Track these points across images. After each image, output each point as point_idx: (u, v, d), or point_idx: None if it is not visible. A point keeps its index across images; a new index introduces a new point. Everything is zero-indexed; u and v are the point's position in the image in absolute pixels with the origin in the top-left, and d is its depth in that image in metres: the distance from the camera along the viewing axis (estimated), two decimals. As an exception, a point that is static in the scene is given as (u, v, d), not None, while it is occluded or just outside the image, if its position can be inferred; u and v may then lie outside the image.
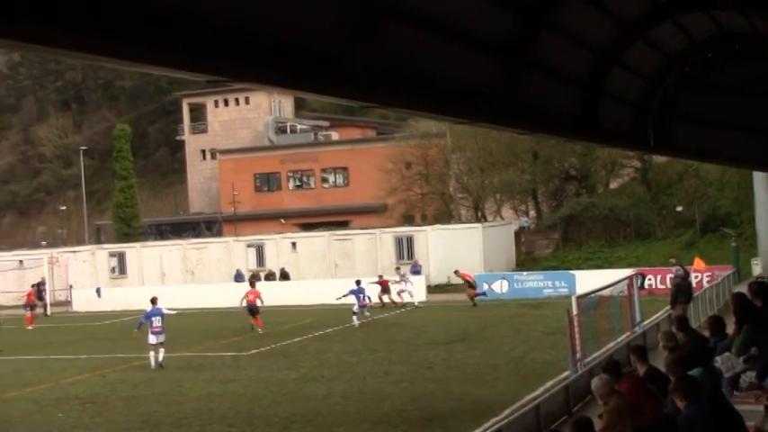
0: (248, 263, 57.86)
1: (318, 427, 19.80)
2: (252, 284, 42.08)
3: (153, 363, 29.44)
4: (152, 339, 29.74)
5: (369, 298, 40.60)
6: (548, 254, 59.08)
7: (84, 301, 54.60)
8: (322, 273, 55.68)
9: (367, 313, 39.86)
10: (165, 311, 30.53)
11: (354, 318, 37.54)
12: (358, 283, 39.72)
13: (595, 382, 10.96)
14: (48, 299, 55.24)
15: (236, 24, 7.61)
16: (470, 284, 44.47)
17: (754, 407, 10.20)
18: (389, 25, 9.43)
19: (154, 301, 31.21)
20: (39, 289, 54.71)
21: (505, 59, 12.15)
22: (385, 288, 45.72)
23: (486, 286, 45.77)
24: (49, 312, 53.65)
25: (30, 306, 47.71)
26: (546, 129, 15.41)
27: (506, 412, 19.03)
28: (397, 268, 49.83)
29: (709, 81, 18.14)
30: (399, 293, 45.91)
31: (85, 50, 6.53)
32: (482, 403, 20.89)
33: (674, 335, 13.54)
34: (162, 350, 29.66)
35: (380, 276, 47.60)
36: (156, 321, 29.91)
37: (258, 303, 38.10)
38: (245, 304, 38.33)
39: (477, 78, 11.94)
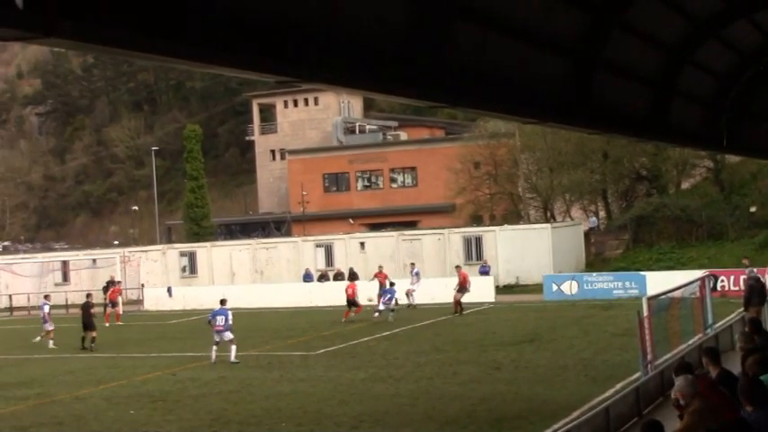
0: (317, 263, 58.09)
1: (387, 428, 19.80)
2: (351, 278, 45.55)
3: (213, 357, 30.34)
4: (215, 337, 30.70)
5: (396, 300, 41.16)
6: (618, 254, 58.51)
7: (155, 300, 55.25)
8: (391, 273, 55.62)
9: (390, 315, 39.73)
10: (229, 314, 31.19)
11: (377, 314, 38.89)
12: (392, 284, 40.67)
13: (680, 382, 10.78)
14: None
15: (306, 25, 7.65)
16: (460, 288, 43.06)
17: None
18: (459, 25, 9.42)
19: (223, 302, 32.01)
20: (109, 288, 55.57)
21: (576, 59, 12.07)
22: (382, 284, 43.94)
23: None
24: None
25: (113, 303, 48.43)
26: (616, 128, 15.28)
27: (575, 414, 18.87)
28: (412, 264, 49.85)
29: (785, 79, 17.85)
30: (409, 294, 45.73)
31: (157, 52, 6.62)
32: (551, 405, 20.75)
33: (753, 336, 13.32)
34: (233, 347, 30.29)
35: (380, 269, 47.12)
36: (220, 321, 30.74)
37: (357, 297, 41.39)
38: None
39: (547, 78, 11.88)
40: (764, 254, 45.15)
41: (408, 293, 45.67)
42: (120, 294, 50.52)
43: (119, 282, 53.32)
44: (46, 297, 40.61)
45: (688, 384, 10.68)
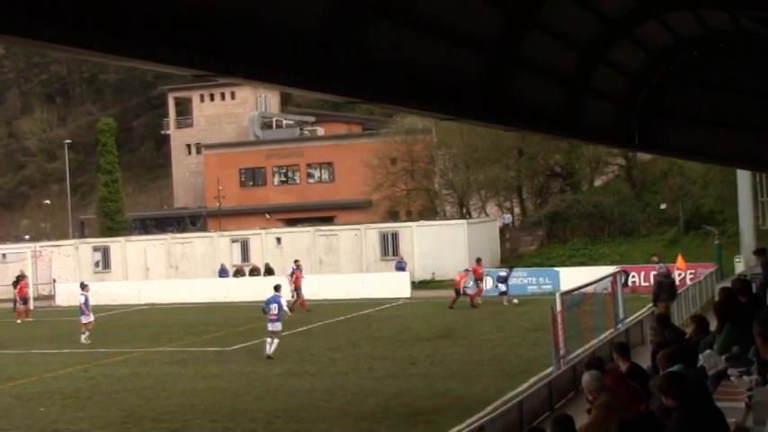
0: (233, 258, 57.79)
1: (301, 423, 19.79)
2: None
3: (268, 348, 28.85)
4: (269, 326, 29.29)
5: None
6: (532, 251, 59.18)
7: (67, 296, 54.33)
8: (306, 268, 55.57)
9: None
10: (282, 302, 29.89)
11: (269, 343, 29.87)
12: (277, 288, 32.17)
13: (586, 378, 11.00)
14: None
15: (223, 19, 7.60)
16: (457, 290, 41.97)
17: (734, 404, 10.24)
18: (376, 21, 9.44)
19: (277, 288, 30.82)
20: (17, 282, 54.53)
21: (492, 56, 12.17)
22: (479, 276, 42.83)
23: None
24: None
25: (23, 299, 47.23)
26: (531, 125, 15.44)
27: (489, 408, 19.07)
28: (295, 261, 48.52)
29: (694, 79, 18.21)
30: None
31: (74, 44, 6.52)
32: (466, 399, 20.92)
33: (662, 330, 13.61)
34: (276, 341, 28.90)
35: (296, 262, 45.82)
36: (273, 309, 29.41)
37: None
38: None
39: (463, 75, 11.95)
40: (674, 250, 45.99)
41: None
42: (27, 288, 49.23)
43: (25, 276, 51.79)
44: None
45: (594, 379, 10.89)
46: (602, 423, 10.20)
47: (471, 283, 41.83)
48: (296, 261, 46.54)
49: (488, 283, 44.12)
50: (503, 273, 42.97)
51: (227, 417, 20.69)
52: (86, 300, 35.85)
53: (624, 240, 56.43)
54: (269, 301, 29.95)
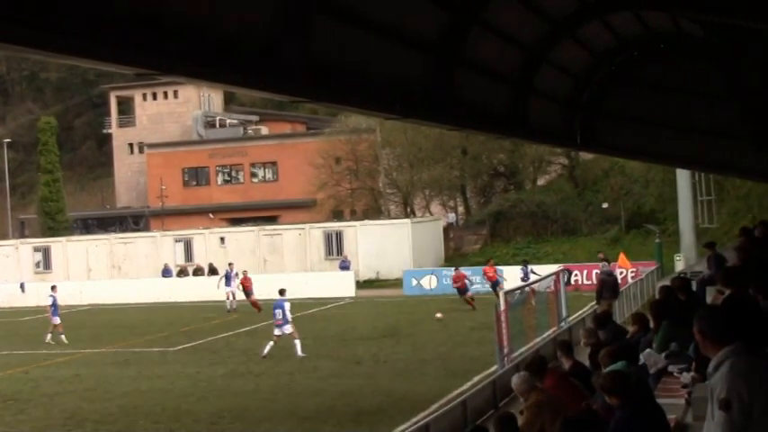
0: (176, 257, 57.41)
1: (246, 423, 19.73)
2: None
3: (265, 351, 28.36)
4: (275, 331, 28.83)
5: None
6: (476, 249, 59.44)
7: (7, 297, 53.69)
8: (251, 268, 55.19)
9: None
10: (286, 306, 29.11)
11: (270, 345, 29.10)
12: (281, 292, 30.35)
13: (515, 380, 11.11)
14: None
15: (166, 17, 7.55)
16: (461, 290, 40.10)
17: (674, 400, 10.36)
18: (320, 20, 9.42)
19: (282, 292, 29.96)
20: None
21: (436, 56, 12.20)
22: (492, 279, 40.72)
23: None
24: None
25: None
26: (476, 125, 15.51)
27: (434, 407, 19.14)
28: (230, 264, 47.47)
29: (635, 79, 18.40)
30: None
31: (14, 42, 6.45)
32: (410, 398, 20.98)
33: (596, 331, 13.71)
34: (296, 342, 28.43)
35: (245, 273, 44.28)
36: (278, 314, 28.90)
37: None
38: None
39: (407, 74, 11.98)
40: (616, 249, 46.47)
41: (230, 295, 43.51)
42: None
43: None
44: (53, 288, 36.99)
45: (522, 381, 11.00)
46: (535, 422, 10.30)
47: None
48: (230, 264, 46.50)
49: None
50: (525, 270, 39.98)
51: (170, 418, 20.56)
52: (54, 301, 35.15)
53: (567, 239, 56.89)
54: (274, 306, 29.43)
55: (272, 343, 28.68)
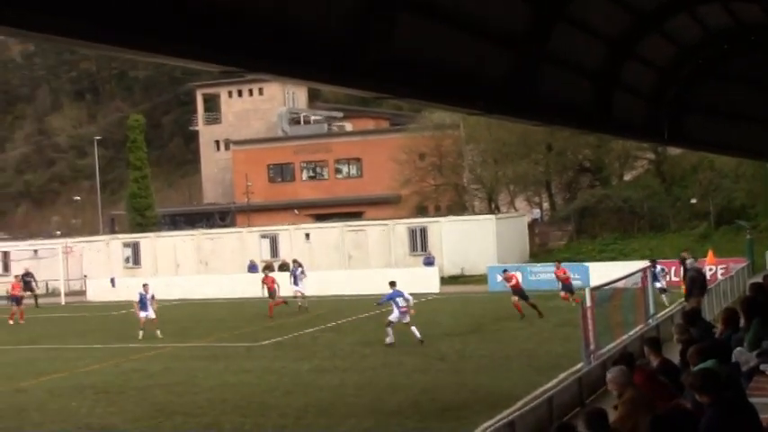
0: (261, 253, 57.93)
1: (331, 418, 19.82)
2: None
3: (389, 339, 29.31)
4: (395, 317, 29.69)
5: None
6: (561, 245, 58.99)
7: (98, 291, 54.77)
8: (335, 264, 55.71)
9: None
10: (405, 294, 30.26)
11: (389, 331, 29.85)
12: (392, 284, 31.33)
13: (612, 373, 10.94)
14: (37, 289, 54.90)
15: (252, 15, 7.62)
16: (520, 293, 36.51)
17: (766, 399, 10.18)
18: (405, 17, 9.44)
19: (393, 284, 30.88)
20: (25, 280, 54.73)
21: (520, 51, 12.15)
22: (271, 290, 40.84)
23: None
24: (38, 303, 52.95)
25: (15, 299, 44.75)
26: (560, 120, 15.42)
27: (519, 404, 19.03)
28: (295, 261, 47.35)
29: (724, 73, 18.09)
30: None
31: (105, 42, 6.57)
32: (495, 395, 20.89)
33: (687, 328, 13.52)
34: (413, 328, 29.62)
35: (266, 272, 43.27)
36: (402, 302, 29.84)
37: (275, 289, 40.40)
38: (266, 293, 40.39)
39: (491, 70, 11.94)
40: (705, 245, 45.75)
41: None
42: (23, 288, 47.99)
43: (18, 276, 50.43)
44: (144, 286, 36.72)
45: (620, 375, 10.83)
46: (629, 419, 10.16)
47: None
48: (294, 261, 46.91)
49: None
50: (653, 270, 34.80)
51: (257, 412, 20.76)
52: (142, 297, 35.31)
53: (654, 235, 56.14)
54: (395, 296, 30.25)
55: (390, 330, 29.54)
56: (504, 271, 39.28)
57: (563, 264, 41.08)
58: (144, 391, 23.96)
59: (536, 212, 68.16)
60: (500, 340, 29.84)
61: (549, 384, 21.01)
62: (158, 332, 34.68)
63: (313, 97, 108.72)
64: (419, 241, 55.76)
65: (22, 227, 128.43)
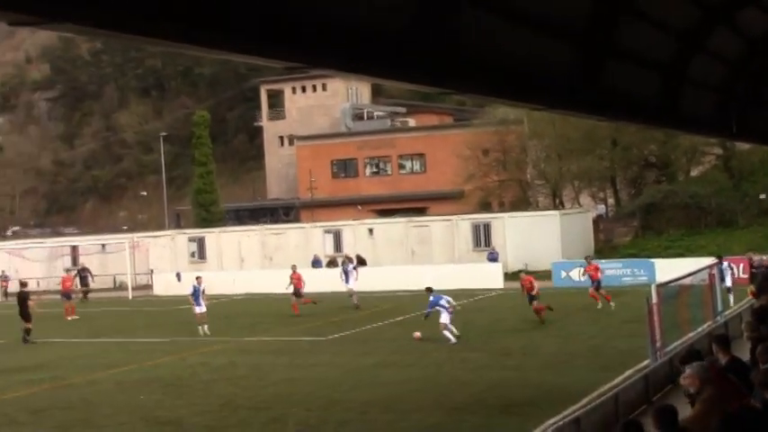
0: (325, 248, 58.17)
1: (395, 414, 19.86)
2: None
3: (452, 338, 29.43)
4: (446, 319, 29.79)
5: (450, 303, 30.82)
6: (626, 242, 58.46)
7: (164, 286, 55.41)
8: (399, 259, 55.76)
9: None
10: (447, 296, 30.50)
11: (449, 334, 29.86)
12: (429, 290, 31.39)
13: (691, 369, 10.75)
14: (92, 284, 56.06)
15: (315, 10, 7.66)
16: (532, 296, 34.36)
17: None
18: (468, 12, 9.42)
19: (430, 290, 30.99)
20: (82, 276, 55.64)
21: (585, 45, 12.06)
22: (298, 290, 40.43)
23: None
24: (88, 298, 54.12)
25: (66, 295, 45.46)
26: (625, 115, 15.27)
27: (585, 401, 18.91)
28: (348, 258, 46.60)
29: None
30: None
31: (167, 38, 6.65)
32: (560, 391, 20.78)
33: (758, 325, 13.34)
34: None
35: (294, 268, 42.13)
36: (446, 303, 29.99)
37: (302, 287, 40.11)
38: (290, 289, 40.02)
39: (555, 64, 11.87)
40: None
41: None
42: (79, 284, 48.20)
43: (69, 270, 50.69)
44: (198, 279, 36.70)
45: (701, 371, 10.65)
46: (705, 417, 10.01)
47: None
48: (347, 257, 46.38)
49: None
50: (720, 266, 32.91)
51: (322, 406, 20.87)
52: (195, 291, 35.22)
53: (722, 231, 55.39)
54: (439, 300, 30.26)
55: (447, 332, 29.56)
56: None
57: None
58: (210, 385, 24.23)
59: (601, 208, 67.61)
60: (565, 336, 29.69)
61: (615, 381, 20.85)
62: (206, 327, 34.67)
63: (376, 93, 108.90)
64: (483, 237, 55.62)
65: (90, 222, 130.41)
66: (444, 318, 29.84)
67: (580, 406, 18.07)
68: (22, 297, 36.08)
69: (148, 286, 57.57)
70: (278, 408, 20.98)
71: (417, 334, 30.27)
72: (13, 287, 56.19)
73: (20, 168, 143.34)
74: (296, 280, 40.38)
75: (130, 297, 54.67)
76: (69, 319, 43.39)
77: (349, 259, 45.67)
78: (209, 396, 22.70)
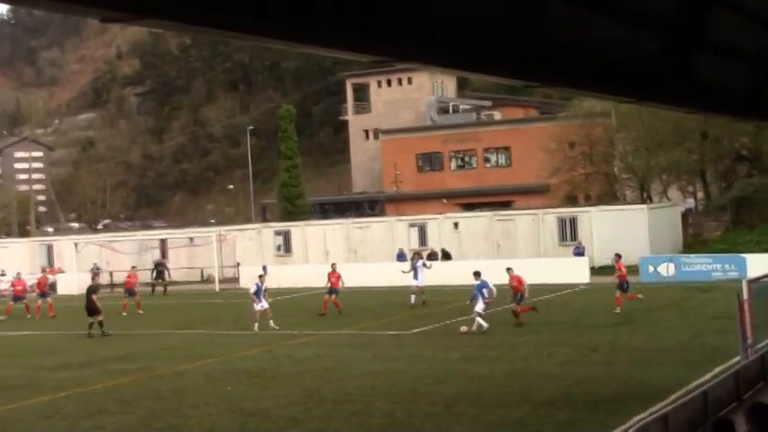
0: (410, 242, 58.22)
1: (481, 408, 19.80)
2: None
3: (484, 324, 30.61)
4: (481, 308, 31.01)
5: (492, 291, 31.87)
6: (716, 236, 57.43)
7: (251, 278, 55.52)
8: (484, 253, 55.57)
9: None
10: (491, 285, 31.58)
11: (482, 321, 30.99)
12: (477, 274, 32.10)
13: None
14: (169, 278, 57.07)
15: (401, 4, 7.65)
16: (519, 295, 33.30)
17: None
18: (554, 4, 9.33)
19: (478, 274, 32.00)
20: (158, 270, 56.38)
21: (674, 36, 11.87)
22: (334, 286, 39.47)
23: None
24: (167, 291, 55.22)
25: (130, 292, 45.45)
26: (715, 108, 15.00)
27: (672, 397, 18.66)
28: (419, 254, 45.71)
29: None
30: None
31: (254, 32, 6.69)
32: (648, 387, 20.52)
33: None
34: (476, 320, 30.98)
35: (333, 266, 41.28)
36: (487, 293, 31.06)
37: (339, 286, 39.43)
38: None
39: (643, 56, 11.70)
40: None
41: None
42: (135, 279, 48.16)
43: (134, 267, 50.74)
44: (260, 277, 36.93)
45: None
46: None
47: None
48: (417, 253, 46.13)
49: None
50: None
51: (407, 399, 20.89)
52: (258, 288, 35.11)
53: (817, 226, 54.17)
54: (483, 286, 31.34)
55: (479, 319, 30.77)
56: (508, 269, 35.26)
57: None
58: (295, 377, 24.41)
59: (690, 202, 66.57)
60: (653, 332, 29.30)
61: (704, 378, 20.53)
62: (272, 322, 34.65)
63: (462, 86, 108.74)
64: (569, 231, 55.15)
65: (178, 215, 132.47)
66: (479, 306, 30.93)
67: (668, 403, 17.83)
68: (90, 290, 36.32)
69: (235, 279, 58.17)
70: (363, 400, 21.05)
71: (464, 328, 30.82)
72: (103, 280, 57.33)
73: (110, 162, 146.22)
74: (334, 278, 39.68)
75: (217, 289, 55.33)
76: (127, 313, 43.12)
77: (419, 255, 45.47)
78: (295, 388, 22.88)
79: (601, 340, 27.93)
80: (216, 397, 22.35)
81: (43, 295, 46.41)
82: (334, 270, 40.28)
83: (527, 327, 31.47)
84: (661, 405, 17.89)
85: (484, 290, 31.19)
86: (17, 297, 46.12)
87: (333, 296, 38.97)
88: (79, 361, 29.27)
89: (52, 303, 45.70)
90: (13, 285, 47.69)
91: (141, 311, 43.93)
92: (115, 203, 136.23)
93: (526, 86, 11.55)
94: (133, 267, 49.65)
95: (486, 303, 31.04)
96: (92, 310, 35.51)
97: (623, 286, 35.08)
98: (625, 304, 34.25)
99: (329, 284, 39.53)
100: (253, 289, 35.51)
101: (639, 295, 35.14)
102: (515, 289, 33.13)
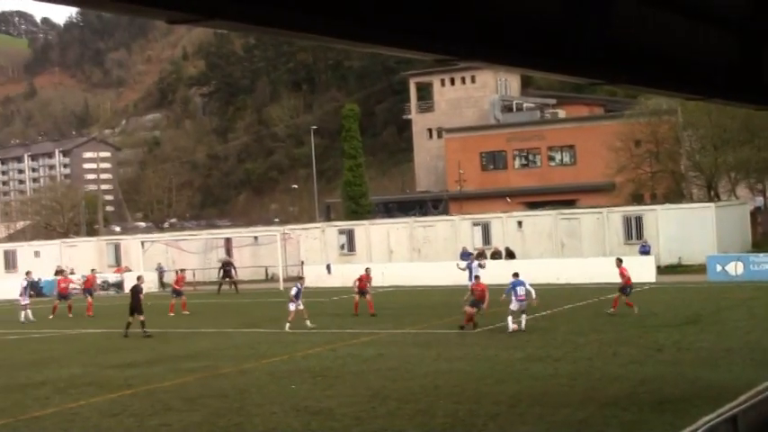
0: (474, 241, 58.06)
1: (545, 408, 19.67)
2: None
3: (511, 326, 30.73)
4: (515, 306, 31.08)
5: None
6: (786, 235, 56.59)
7: (314, 277, 56.09)
8: (548, 252, 55.30)
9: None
10: (526, 284, 31.57)
11: (510, 321, 31.10)
12: (516, 275, 32.09)
13: None
14: (236, 276, 57.49)
15: (464, 3, 7.62)
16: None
17: None
18: (622, 2, 9.25)
19: (516, 274, 32.09)
20: (226, 269, 56.77)
21: (743, 33, 11.70)
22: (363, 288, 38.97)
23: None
24: (238, 290, 55.54)
25: (176, 292, 44.78)
26: (786, 104, 14.74)
27: (741, 398, 18.35)
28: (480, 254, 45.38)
29: None
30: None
31: (319, 32, 6.71)
32: (716, 388, 20.24)
33: None
34: (523, 317, 31.17)
35: (367, 270, 40.85)
36: (521, 291, 31.15)
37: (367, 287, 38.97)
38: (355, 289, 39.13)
39: (711, 53, 11.55)
40: None
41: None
42: (222, 276, 47.82)
43: (182, 270, 50.67)
44: (300, 279, 37.50)
45: None
46: None
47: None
48: (479, 254, 45.68)
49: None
50: None
51: (470, 399, 20.82)
52: (297, 292, 35.19)
53: None
54: (517, 285, 31.23)
55: (511, 318, 30.87)
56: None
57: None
58: (359, 376, 24.44)
59: (759, 200, 65.57)
60: (720, 332, 28.91)
61: (774, 379, 20.19)
62: (308, 322, 34.75)
63: (525, 84, 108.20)
64: (634, 229, 54.63)
65: (243, 214, 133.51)
66: (513, 305, 30.97)
67: (737, 404, 17.54)
68: (135, 290, 36.43)
69: (300, 278, 58.38)
70: (426, 400, 21.02)
71: (514, 326, 30.73)
72: (168, 278, 57.96)
73: (176, 162, 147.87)
74: (362, 281, 39.16)
75: (281, 288, 55.57)
76: (173, 314, 42.95)
77: (482, 255, 45.09)
78: (358, 387, 22.90)
79: (666, 340, 27.62)
80: (280, 396, 22.44)
81: (88, 293, 47.07)
82: (367, 274, 40.04)
83: (590, 326, 31.23)
84: (730, 406, 17.61)
85: (517, 288, 31.09)
86: (62, 295, 46.34)
87: (366, 296, 38.71)
88: (145, 359, 29.59)
89: (91, 303, 45.94)
90: (58, 284, 47.90)
91: (187, 312, 43.48)
92: (181, 203, 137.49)
93: (590, 84, 11.46)
94: (182, 270, 49.32)
95: (519, 302, 30.90)
96: (136, 308, 35.54)
97: (626, 290, 34.76)
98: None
99: (356, 287, 39.09)
100: (293, 291, 35.63)
101: (636, 309, 34.07)
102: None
